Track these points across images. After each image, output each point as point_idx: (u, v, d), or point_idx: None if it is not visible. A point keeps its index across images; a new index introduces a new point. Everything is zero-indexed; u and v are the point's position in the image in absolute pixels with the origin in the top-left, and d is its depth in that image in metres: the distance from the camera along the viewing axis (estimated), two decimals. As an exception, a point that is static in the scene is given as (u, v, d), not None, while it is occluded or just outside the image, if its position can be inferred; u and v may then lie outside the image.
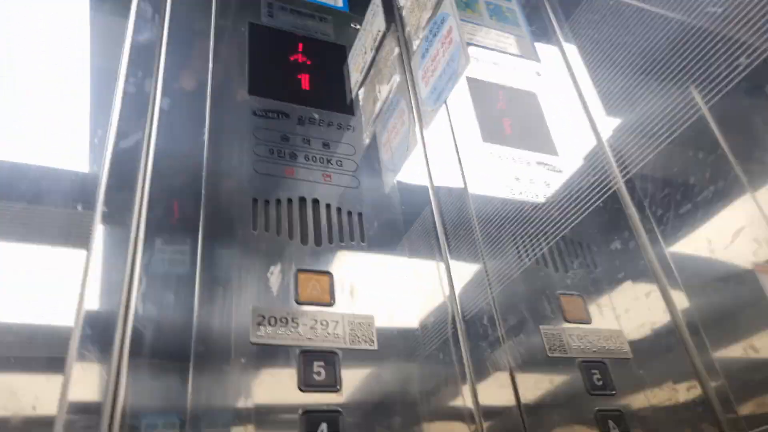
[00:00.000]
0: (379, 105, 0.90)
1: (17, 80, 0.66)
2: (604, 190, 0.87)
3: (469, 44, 0.95)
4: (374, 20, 0.95)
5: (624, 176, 0.89)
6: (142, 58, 0.66)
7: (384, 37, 0.92)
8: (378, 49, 0.94)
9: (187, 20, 0.72)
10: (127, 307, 0.53)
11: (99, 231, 0.56)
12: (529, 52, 1.01)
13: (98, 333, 0.52)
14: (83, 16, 0.71)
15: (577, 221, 0.81)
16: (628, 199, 0.88)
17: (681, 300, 0.81)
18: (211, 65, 0.70)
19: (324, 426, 0.52)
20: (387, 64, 0.92)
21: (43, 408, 0.47)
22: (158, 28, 0.69)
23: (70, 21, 0.71)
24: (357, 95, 0.93)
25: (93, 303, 0.54)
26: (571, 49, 1.04)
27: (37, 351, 0.52)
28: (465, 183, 0.77)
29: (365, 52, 0.96)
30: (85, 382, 0.49)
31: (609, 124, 0.92)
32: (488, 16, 1.01)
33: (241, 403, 0.52)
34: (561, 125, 0.94)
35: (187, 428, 0.48)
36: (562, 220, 0.83)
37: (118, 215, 0.57)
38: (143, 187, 0.59)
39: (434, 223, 0.72)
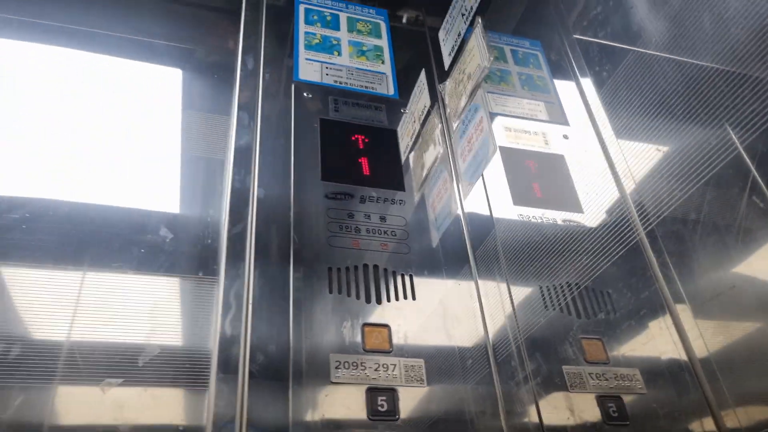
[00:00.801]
0: (425, 172, 1.07)
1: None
2: (627, 241, 1.00)
3: (502, 115, 1.11)
4: (420, 96, 1.13)
5: (646, 228, 1.01)
6: (243, 157, 0.87)
7: (429, 113, 1.10)
8: (424, 122, 1.11)
9: (274, 122, 0.93)
10: (246, 333, 0.73)
11: (220, 295, 0.76)
12: (557, 116, 1.15)
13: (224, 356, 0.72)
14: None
15: (599, 272, 0.95)
16: (649, 250, 1.00)
17: (699, 346, 0.92)
18: (293, 159, 0.90)
19: (386, 447, 0.69)
20: (432, 136, 1.09)
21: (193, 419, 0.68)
22: (252, 132, 0.90)
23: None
24: (408, 158, 1.10)
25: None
26: (592, 95, 1.17)
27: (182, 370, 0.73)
28: (499, 246, 0.92)
29: (414, 121, 1.14)
30: (222, 397, 0.69)
31: (635, 170, 1.03)
32: (520, 87, 1.16)
33: (326, 428, 0.70)
34: (587, 182, 1.08)
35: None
36: (587, 271, 0.96)
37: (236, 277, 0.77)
38: (250, 256, 0.79)
39: (474, 275, 0.88)
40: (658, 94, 0.95)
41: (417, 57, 1.17)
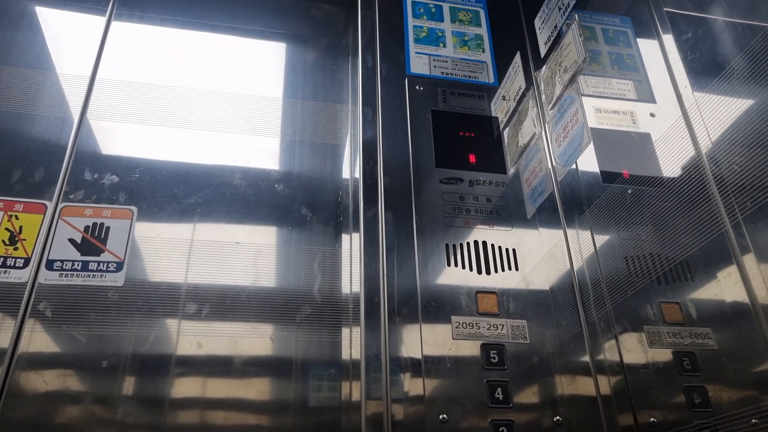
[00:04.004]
0: (521, 149, 1.19)
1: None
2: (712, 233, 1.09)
3: (593, 96, 1.20)
4: (516, 77, 1.23)
5: (732, 221, 1.09)
6: (369, 149, 1.03)
7: (524, 94, 1.20)
8: (518, 102, 1.22)
9: (391, 115, 1.08)
10: (383, 292, 0.92)
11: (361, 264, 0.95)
12: (645, 94, 1.23)
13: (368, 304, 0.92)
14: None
15: (685, 255, 1.06)
16: (733, 240, 1.09)
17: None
18: (410, 147, 1.05)
19: (499, 390, 0.88)
20: (527, 117, 1.20)
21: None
22: (375, 126, 1.05)
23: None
24: (502, 133, 1.23)
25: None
26: (679, 69, 1.23)
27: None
28: (591, 227, 1.05)
29: (508, 100, 1.25)
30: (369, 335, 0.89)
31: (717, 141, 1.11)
32: (610, 67, 1.23)
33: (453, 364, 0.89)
34: (670, 157, 1.17)
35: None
36: (668, 242, 1.08)
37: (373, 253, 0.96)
38: (381, 233, 0.97)
39: (568, 250, 1.03)
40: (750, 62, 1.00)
41: (511, 40, 1.27)
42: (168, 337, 0.90)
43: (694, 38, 1.12)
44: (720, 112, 1.07)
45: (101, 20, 1.15)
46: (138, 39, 1.17)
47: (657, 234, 1.08)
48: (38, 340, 0.87)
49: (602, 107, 1.19)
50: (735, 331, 1.02)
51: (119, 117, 1.06)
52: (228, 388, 0.88)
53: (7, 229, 0.94)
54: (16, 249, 0.93)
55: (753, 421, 0.90)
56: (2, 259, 0.91)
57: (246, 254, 0.97)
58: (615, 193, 1.09)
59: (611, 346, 0.96)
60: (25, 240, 0.93)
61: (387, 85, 1.11)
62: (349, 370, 0.92)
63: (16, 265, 0.91)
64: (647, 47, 1.26)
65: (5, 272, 0.91)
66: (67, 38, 1.13)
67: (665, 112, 1.20)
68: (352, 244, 0.99)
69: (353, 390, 0.90)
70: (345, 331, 0.95)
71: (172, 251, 0.96)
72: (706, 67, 1.08)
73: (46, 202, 0.96)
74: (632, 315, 0.99)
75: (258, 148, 1.08)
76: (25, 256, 0.92)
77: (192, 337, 0.90)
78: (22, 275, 0.91)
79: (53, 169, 0.98)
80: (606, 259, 1.04)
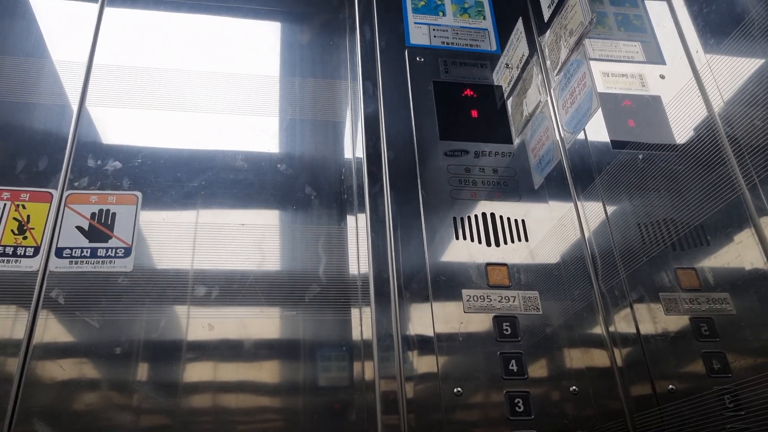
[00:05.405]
0: (526, 118, 1.17)
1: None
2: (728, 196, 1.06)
3: (600, 60, 1.17)
4: (518, 44, 1.20)
5: (748, 184, 1.06)
6: (371, 124, 1.01)
7: (527, 61, 1.17)
8: (522, 70, 1.19)
9: (392, 87, 1.05)
10: (392, 267, 0.91)
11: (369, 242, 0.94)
12: (654, 55, 1.19)
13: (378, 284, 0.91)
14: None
15: (700, 220, 1.03)
16: (751, 205, 1.06)
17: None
18: (413, 121, 1.03)
19: (513, 362, 0.87)
20: (531, 85, 1.17)
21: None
22: (377, 100, 1.03)
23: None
24: (506, 103, 1.20)
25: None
26: (689, 28, 1.19)
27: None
28: (602, 195, 1.03)
29: (511, 68, 1.22)
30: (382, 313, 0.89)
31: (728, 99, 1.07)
32: (617, 29, 1.19)
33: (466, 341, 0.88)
34: (682, 119, 1.13)
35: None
36: (682, 207, 1.05)
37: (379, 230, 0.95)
38: (387, 209, 0.96)
39: (579, 220, 1.01)
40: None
41: (513, 6, 1.23)
42: (178, 320, 0.90)
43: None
44: (733, 70, 1.03)
45: (94, 6, 1.13)
46: (132, 23, 1.15)
47: (670, 199, 1.05)
48: (52, 327, 0.88)
49: (610, 71, 1.16)
50: (753, 295, 1.00)
51: (118, 102, 1.06)
52: (239, 372, 0.88)
53: (15, 218, 0.94)
54: (25, 238, 0.93)
55: (774, 384, 0.88)
56: (12, 248, 0.92)
57: (251, 236, 0.97)
58: (626, 159, 1.06)
59: (626, 315, 0.94)
60: (33, 229, 0.93)
61: (387, 58, 1.09)
62: (360, 349, 0.91)
63: (26, 254, 0.92)
64: (654, 6, 1.22)
65: (16, 261, 0.91)
66: (61, 25, 1.12)
67: (676, 73, 1.16)
68: (357, 222, 0.98)
69: (366, 369, 0.90)
70: (354, 311, 0.94)
71: (179, 235, 0.96)
72: (720, 22, 1.04)
73: (52, 191, 0.96)
74: (647, 282, 0.97)
75: (258, 128, 1.06)
76: (35, 245, 0.93)
77: (203, 320, 0.90)
78: (33, 264, 0.91)
79: (57, 158, 0.98)
80: (618, 226, 1.01)
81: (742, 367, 0.93)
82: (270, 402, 0.87)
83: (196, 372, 0.87)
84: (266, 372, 0.89)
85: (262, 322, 0.92)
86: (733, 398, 0.92)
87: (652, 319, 0.95)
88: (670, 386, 0.92)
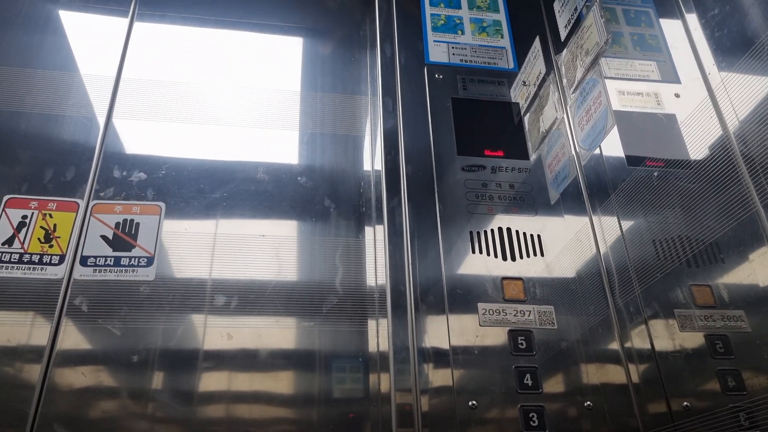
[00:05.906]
0: (543, 134, 1.18)
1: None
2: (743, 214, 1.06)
3: (615, 78, 1.18)
4: (536, 62, 1.22)
5: (763, 202, 1.06)
6: (390, 139, 1.03)
7: (544, 79, 1.19)
8: (539, 87, 1.21)
9: (412, 103, 1.08)
10: (410, 281, 0.92)
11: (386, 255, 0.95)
12: (669, 74, 1.20)
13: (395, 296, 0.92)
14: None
15: (715, 237, 1.04)
16: (765, 223, 1.06)
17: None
18: (431, 136, 1.05)
19: (528, 376, 0.88)
20: (548, 102, 1.19)
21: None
22: (396, 116, 1.05)
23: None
24: (522, 119, 1.22)
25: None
26: (704, 47, 1.20)
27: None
28: (617, 211, 1.04)
29: (528, 85, 1.24)
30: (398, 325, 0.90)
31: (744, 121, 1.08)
32: (632, 48, 1.21)
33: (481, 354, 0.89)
34: (697, 138, 1.14)
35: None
36: (697, 225, 1.06)
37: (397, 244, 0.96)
38: (405, 224, 0.97)
39: (594, 235, 1.02)
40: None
41: (530, 25, 1.25)
42: (196, 329, 0.92)
43: (720, 14, 1.10)
44: (748, 89, 1.04)
45: (124, 21, 1.17)
46: (160, 38, 1.19)
47: (685, 216, 1.06)
48: (75, 334, 0.90)
49: (625, 89, 1.17)
50: (769, 313, 1.00)
51: (144, 115, 1.09)
52: (254, 381, 0.89)
53: (42, 227, 0.97)
54: (51, 246, 0.95)
55: (791, 403, 0.88)
56: (39, 256, 0.94)
57: (270, 246, 0.98)
58: (641, 176, 1.07)
59: (641, 331, 0.95)
60: (59, 237, 0.96)
61: (406, 75, 1.11)
62: (376, 361, 0.93)
63: (52, 261, 0.94)
64: (670, 27, 1.24)
65: (42, 269, 0.93)
66: (91, 40, 1.16)
67: (690, 92, 1.17)
68: (375, 235, 1.00)
69: (381, 381, 0.90)
70: (371, 323, 0.95)
71: (200, 245, 0.98)
72: (733, 44, 1.05)
73: (78, 200, 0.99)
74: (662, 299, 0.97)
75: (279, 141, 1.09)
76: (60, 253, 0.95)
77: (221, 329, 0.91)
78: (58, 272, 0.93)
79: (83, 168, 1.01)
80: (633, 242, 1.02)
81: (758, 384, 0.94)
82: (285, 413, 0.88)
83: (212, 381, 0.88)
84: (282, 382, 0.90)
85: (279, 332, 0.93)
86: (748, 416, 0.92)
87: (667, 336, 0.95)
88: (685, 403, 0.92)
